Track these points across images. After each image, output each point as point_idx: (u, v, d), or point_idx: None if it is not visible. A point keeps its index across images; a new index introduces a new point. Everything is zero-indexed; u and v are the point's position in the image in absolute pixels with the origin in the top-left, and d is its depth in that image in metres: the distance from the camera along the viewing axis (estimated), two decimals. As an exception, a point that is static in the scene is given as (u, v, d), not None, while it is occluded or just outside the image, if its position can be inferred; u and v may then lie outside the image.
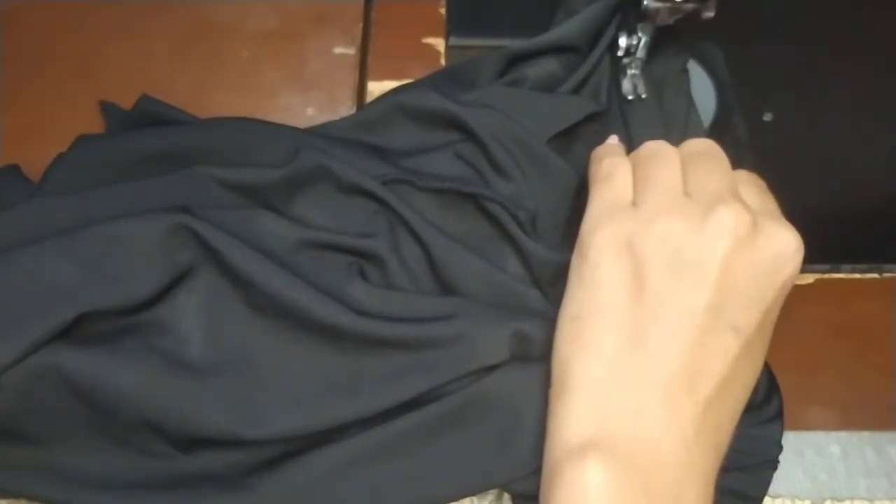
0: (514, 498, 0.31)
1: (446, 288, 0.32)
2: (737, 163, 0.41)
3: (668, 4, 0.35)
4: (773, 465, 0.30)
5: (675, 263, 0.26)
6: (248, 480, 0.30)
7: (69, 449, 0.30)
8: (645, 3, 0.36)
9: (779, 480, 0.33)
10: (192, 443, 0.30)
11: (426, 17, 0.45)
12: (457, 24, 0.44)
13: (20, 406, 0.29)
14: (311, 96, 0.42)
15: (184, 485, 0.30)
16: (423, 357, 0.30)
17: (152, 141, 0.36)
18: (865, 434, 0.34)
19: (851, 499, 0.33)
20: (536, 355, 0.30)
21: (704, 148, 0.29)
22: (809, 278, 0.38)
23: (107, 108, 0.41)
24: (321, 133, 0.37)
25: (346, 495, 0.29)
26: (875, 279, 0.38)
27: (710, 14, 0.35)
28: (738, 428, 0.28)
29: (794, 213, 0.39)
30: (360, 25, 0.45)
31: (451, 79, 0.39)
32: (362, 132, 0.38)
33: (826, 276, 0.38)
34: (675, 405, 0.25)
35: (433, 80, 0.40)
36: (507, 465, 0.29)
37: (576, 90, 0.38)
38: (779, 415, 0.31)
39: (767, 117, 0.42)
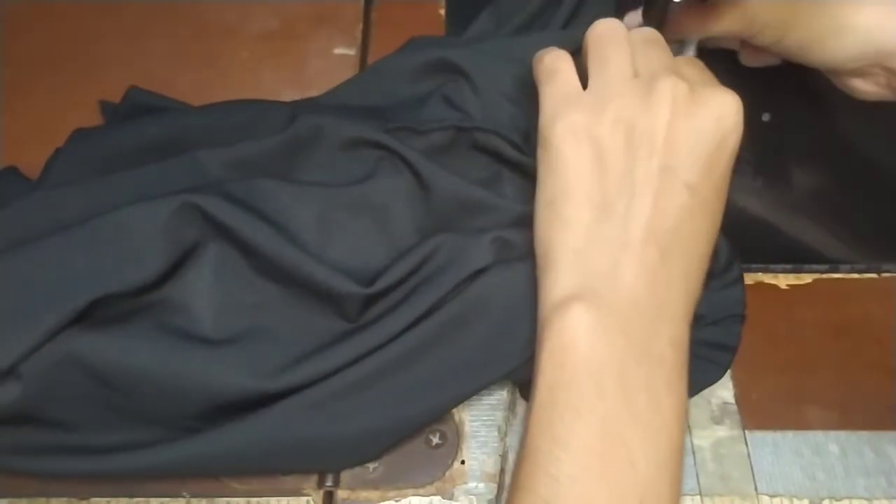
0: (519, 387, 0.34)
1: (449, 223, 0.34)
2: (734, 163, 0.41)
3: None
4: (740, 319, 0.34)
5: (629, 138, 0.29)
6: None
7: (92, 431, 0.31)
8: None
9: (777, 479, 0.33)
10: (213, 412, 0.31)
11: (426, 18, 0.45)
12: (457, 25, 0.44)
13: (41, 393, 0.30)
14: (311, 96, 0.42)
15: (204, 434, 0.31)
16: (418, 281, 0.32)
17: (148, 130, 0.37)
18: (864, 433, 0.34)
19: (850, 498, 0.33)
20: (520, 255, 0.32)
21: (650, 35, 0.32)
22: (808, 278, 0.38)
23: (107, 108, 0.41)
24: (312, 104, 0.39)
25: (365, 408, 0.31)
26: (873, 279, 0.38)
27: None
28: (707, 291, 0.32)
29: (792, 212, 0.40)
30: (360, 26, 0.45)
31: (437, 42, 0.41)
32: (353, 97, 0.39)
33: (824, 275, 0.38)
34: (645, 257, 0.28)
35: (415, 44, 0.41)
36: (510, 355, 0.32)
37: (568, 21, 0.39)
38: (739, 278, 0.35)
39: (766, 117, 0.42)
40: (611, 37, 0.31)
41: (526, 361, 0.31)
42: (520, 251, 0.32)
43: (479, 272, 0.32)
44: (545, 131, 0.31)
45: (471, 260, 0.32)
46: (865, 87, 0.36)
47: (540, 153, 0.31)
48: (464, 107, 0.37)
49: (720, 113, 0.29)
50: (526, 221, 0.32)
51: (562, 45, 0.35)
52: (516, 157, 0.34)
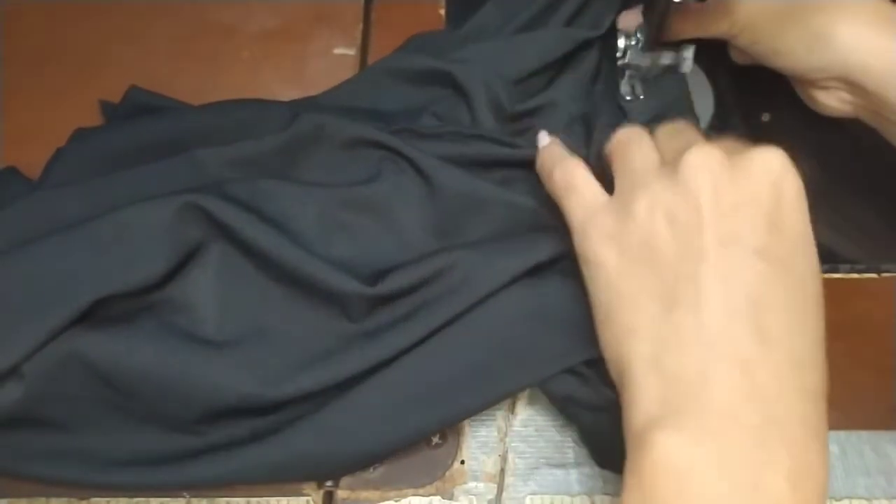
0: (550, 396, 0.33)
1: (454, 221, 0.34)
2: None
3: (647, 62, 0.38)
4: None
5: (672, 221, 0.26)
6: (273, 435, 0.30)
7: (94, 433, 0.31)
8: (627, 59, 0.38)
9: (777, 479, 0.33)
10: (215, 415, 0.31)
11: (426, 18, 0.45)
12: (457, 25, 0.44)
13: (44, 393, 0.30)
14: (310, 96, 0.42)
15: (208, 454, 0.31)
16: (428, 296, 0.32)
17: (148, 129, 0.37)
18: (864, 433, 0.34)
19: (850, 498, 0.33)
20: (537, 271, 0.32)
21: (674, 125, 0.30)
22: (808, 278, 0.38)
23: (107, 108, 0.41)
24: (312, 103, 0.39)
25: (375, 423, 0.31)
26: (873, 279, 0.38)
27: (687, 69, 0.38)
28: None
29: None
30: (360, 26, 0.45)
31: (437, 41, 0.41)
32: (351, 99, 0.39)
33: (824, 275, 0.38)
34: (736, 350, 0.23)
35: (415, 44, 0.41)
36: (522, 375, 0.31)
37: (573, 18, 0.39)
38: None
39: (766, 118, 0.42)
40: (631, 138, 0.29)
41: (555, 376, 0.31)
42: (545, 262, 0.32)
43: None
44: (580, 247, 0.29)
45: (487, 281, 0.31)
46: (827, 101, 0.36)
47: (583, 270, 0.29)
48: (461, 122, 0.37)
49: (766, 167, 0.25)
50: (555, 226, 0.31)
51: (562, 45, 0.36)
52: (515, 156, 0.35)
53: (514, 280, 0.32)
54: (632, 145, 0.29)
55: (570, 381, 0.31)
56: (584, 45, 0.39)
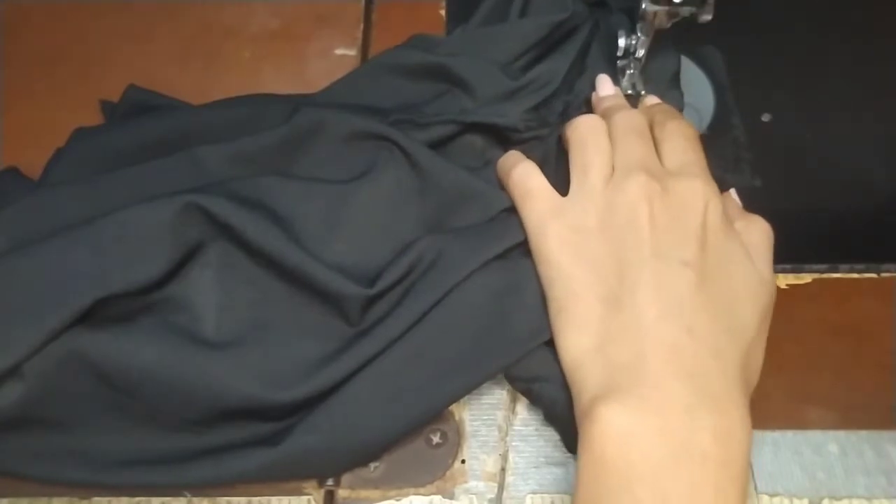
0: (511, 380, 0.34)
1: (445, 212, 0.34)
2: (734, 164, 0.41)
3: (665, 8, 0.36)
4: None
5: (615, 238, 0.30)
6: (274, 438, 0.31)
7: (94, 432, 0.31)
8: (644, 6, 0.36)
9: (777, 479, 0.33)
10: (216, 416, 0.31)
11: (426, 18, 0.45)
12: (457, 25, 0.44)
13: (44, 393, 0.30)
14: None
15: (210, 455, 0.31)
16: (408, 285, 0.32)
17: (149, 128, 0.37)
18: (864, 433, 0.34)
19: (850, 498, 0.33)
20: (507, 252, 0.33)
21: (631, 124, 0.33)
22: (807, 278, 0.38)
23: (107, 108, 0.41)
24: (311, 100, 0.39)
25: (369, 419, 0.31)
26: (873, 279, 0.38)
27: (707, 17, 0.36)
28: None
29: (792, 212, 0.40)
30: (361, 27, 0.45)
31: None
32: (350, 95, 0.39)
33: (824, 275, 0.38)
34: (666, 337, 0.27)
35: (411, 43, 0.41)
36: (501, 354, 0.32)
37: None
38: None
39: (766, 118, 0.43)
40: (588, 134, 0.33)
41: (519, 360, 0.32)
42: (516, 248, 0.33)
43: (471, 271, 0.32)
44: (537, 248, 0.32)
45: (466, 263, 0.32)
46: None
47: (539, 270, 0.32)
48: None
49: (693, 195, 0.30)
50: (514, 209, 0.33)
51: (538, 30, 0.37)
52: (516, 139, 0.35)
53: (488, 261, 0.32)
54: (589, 145, 0.32)
55: (537, 357, 0.32)
56: (570, 34, 0.39)
